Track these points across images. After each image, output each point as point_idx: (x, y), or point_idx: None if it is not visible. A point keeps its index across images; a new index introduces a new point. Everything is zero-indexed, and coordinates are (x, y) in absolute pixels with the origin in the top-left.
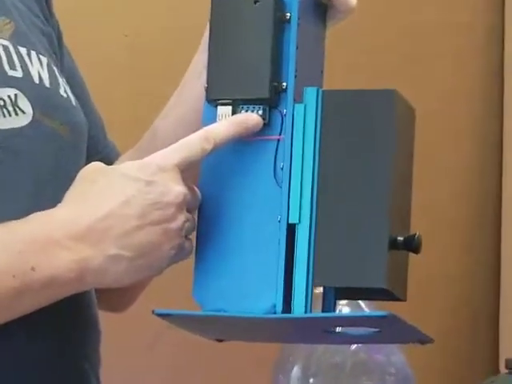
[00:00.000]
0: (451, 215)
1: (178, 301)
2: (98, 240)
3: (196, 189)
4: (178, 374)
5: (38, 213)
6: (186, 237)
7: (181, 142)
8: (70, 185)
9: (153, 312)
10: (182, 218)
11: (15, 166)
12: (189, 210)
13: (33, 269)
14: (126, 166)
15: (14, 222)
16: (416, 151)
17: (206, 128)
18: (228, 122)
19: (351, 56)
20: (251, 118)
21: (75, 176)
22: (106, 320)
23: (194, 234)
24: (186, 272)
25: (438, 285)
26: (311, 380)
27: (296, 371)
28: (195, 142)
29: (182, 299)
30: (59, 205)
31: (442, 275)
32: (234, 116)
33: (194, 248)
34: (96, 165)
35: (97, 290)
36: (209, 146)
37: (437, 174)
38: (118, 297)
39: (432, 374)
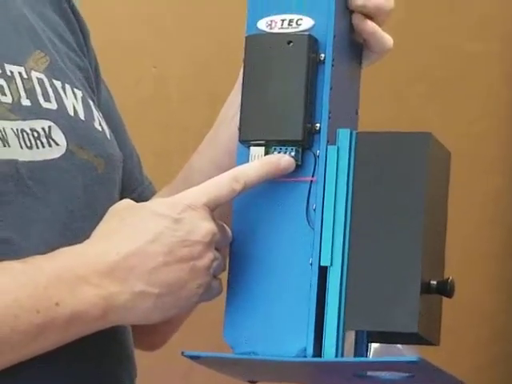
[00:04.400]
0: (484, 250)
1: (211, 337)
2: (124, 277)
3: (226, 227)
4: None
5: (65, 248)
6: (214, 276)
7: (211, 181)
8: (101, 218)
9: (182, 354)
10: (210, 256)
11: (47, 199)
12: (218, 249)
13: (57, 304)
14: (155, 203)
15: (40, 257)
16: None
17: (236, 168)
18: (259, 163)
19: (379, 85)
20: (283, 158)
21: (108, 209)
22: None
23: (224, 273)
24: (217, 311)
25: (473, 317)
26: None
27: None
28: (225, 182)
29: (214, 336)
30: (86, 241)
31: (474, 310)
32: (267, 156)
33: (225, 288)
34: (126, 202)
35: (132, 329)
36: (238, 187)
37: (468, 207)
38: (151, 337)
39: None
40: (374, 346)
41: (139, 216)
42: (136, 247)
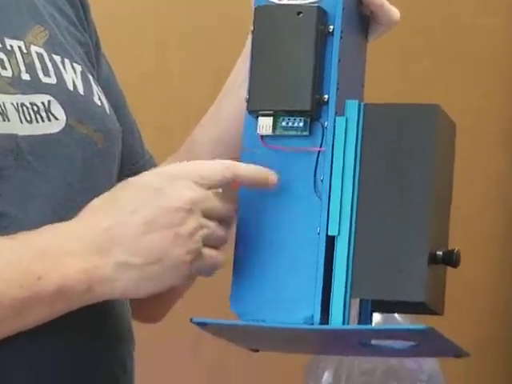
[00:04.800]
0: (486, 225)
1: (218, 308)
2: (106, 249)
3: (226, 198)
4: (214, 376)
5: (53, 225)
6: (207, 245)
7: (204, 161)
8: (101, 192)
9: (190, 320)
10: (192, 223)
11: (46, 173)
12: (212, 218)
13: (40, 278)
14: (140, 176)
15: (29, 233)
16: None
17: (232, 162)
18: (256, 167)
19: (385, 60)
20: (272, 177)
21: (106, 183)
22: (147, 324)
23: (231, 244)
24: (224, 280)
25: (475, 294)
26: None
27: (326, 377)
28: (218, 167)
29: (221, 306)
30: (74, 218)
31: (479, 284)
32: (261, 167)
33: (232, 257)
34: (120, 183)
35: (130, 302)
36: (229, 175)
37: (471, 184)
38: (150, 308)
39: (466, 382)
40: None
41: (124, 190)
42: (117, 219)
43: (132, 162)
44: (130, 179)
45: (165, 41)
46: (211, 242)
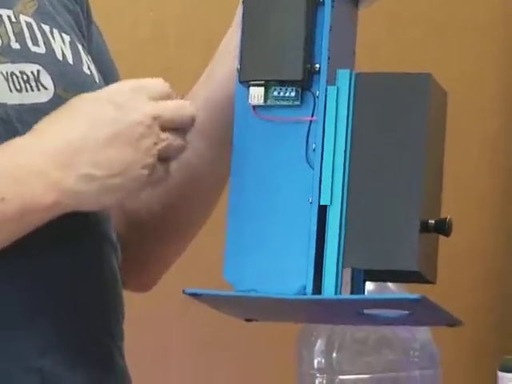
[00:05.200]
0: (480, 192)
1: (207, 277)
2: (68, 162)
3: (182, 106)
4: (205, 346)
5: (9, 141)
6: (162, 160)
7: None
8: None
9: (183, 292)
10: (152, 137)
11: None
12: (170, 129)
13: (3, 199)
14: (100, 91)
15: None
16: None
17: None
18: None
19: (376, 28)
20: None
21: None
22: (134, 293)
23: (224, 210)
24: (217, 251)
25: (469, 261)
26: (334, 354)
27: (319, 346)
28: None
29: (211, 276)
30: (30, 132)
31: (472, 251)
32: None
33: (225, 226)
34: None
35: (121, 271)
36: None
37: (465, 149)
38: (140, 277)
39: (459, 351)
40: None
41: (84, 103)
42: (78, 132)
43: None
44: (85, 94)
45: (161, 7)
46: (168, 154)
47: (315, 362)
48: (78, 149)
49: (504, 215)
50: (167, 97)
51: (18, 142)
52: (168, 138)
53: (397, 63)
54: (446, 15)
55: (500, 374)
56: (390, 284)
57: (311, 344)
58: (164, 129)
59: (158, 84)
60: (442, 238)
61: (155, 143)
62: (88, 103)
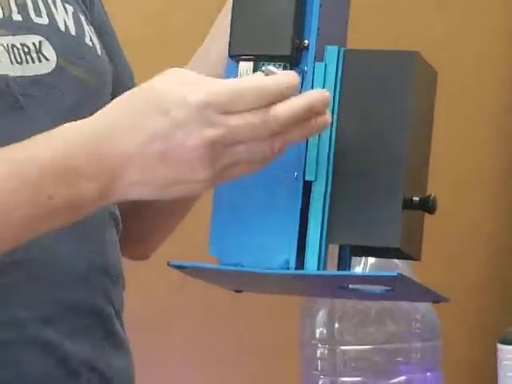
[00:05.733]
0: (489, 166)
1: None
2: (120, 174)
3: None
4: (205, 315)
5: (59, 131)
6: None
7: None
8: None
9: (168, 264)
10: (208, 160)
11: (36, 114)
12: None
13: (50, 198)
14: (164, 95)
15: (30, 145)
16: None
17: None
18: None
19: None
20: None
21: None
22: (132, 263)
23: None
24: (203, 224)
25: (470, 241)
26: (336, 325)
27: (321, 316)
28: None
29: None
30: (82, 123)
31: (476, 230)
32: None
33: (211, 200)
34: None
35: (119, 239)
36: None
37: (474, 123)
38: (140, 245)
39: (460, 323)
40: (370, 260)
41: (145, 109)
42: (134, 145)
43: None
44: (147, 90)
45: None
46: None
47: (317, 332)
48: (132, 161)
49: (508, 196)
50: (253, 102)
51: (72, 134)
52: (238, 152)
53: (408, 36)
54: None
55: (500, 346)
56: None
57: (313, 314)
58: (235, 143)
59: (242, 90)
60: (449, 219)
61: (217, 162)
62: (147, 108)
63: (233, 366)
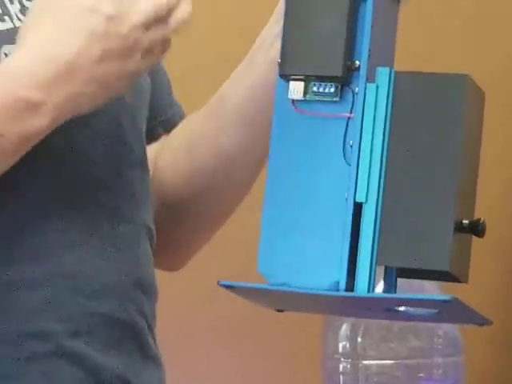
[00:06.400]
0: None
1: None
2: (64, 82)
3: None
4: (233, 328)
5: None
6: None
7: None
8: (128, 145)
9: (218, 283)
10: (140, 44)
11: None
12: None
13: (1, 135)
14: None
15: None
16: None
17: None
18: None
19: (412, 19)
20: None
21: (133, 137)
22: (164, 275)
23: (259, 204)
24: (251, 242)
25: (496, 257)
26: (359, 339)
27: (345, 330)
28: None
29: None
30: (17, 50)
31: (492, 251)
32: None
33: (259, 220)
34: None
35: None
36: None
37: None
38: (172, 257)
39: (481, 339)
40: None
41: (68, 13)
42: (75, 48)
43: (160, 112)
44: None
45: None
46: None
47: (340, 346)
48: (76, 68)
49: None
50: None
51: (8, 66)
52: (156, 36)
53: (433, 54)
54: (482, 6)
55: None
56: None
57: (337, 327)
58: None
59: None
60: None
61: (141, 47)
62: (76, 14)
63: (254, 379)
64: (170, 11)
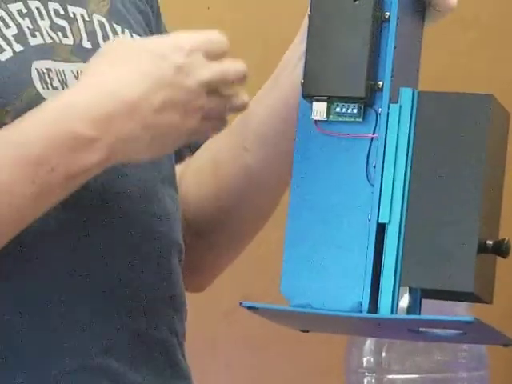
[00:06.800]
0: None
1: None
2: (121, 125)
3: (236, 63)
4: (252, 343)
5: (50, 100)
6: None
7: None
8: (158, 163)
9: (240, 304)
10: (200, 102)
11: None
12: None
13: (52, 170)
14: (153, 43)
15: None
16: None
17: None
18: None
19: (429, 32)
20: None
21: (163, 155)
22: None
23: (282, 226)
24: (274, 262)
25: None
26: (383, 354)
27: (369, 344)
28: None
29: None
30: (74, 87)
31: None
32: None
33: (283, 240)
34: (121, 40)
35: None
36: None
37: None
38: (194, 279)
39: (506, 353)
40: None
41: (136, 56)
42: (139, 93)
43: None
44: (135, 41)
45: (216, 6)
46: (212, 115)
47: (364, 360)
48: (134, 111)
49: None
50: (223, 53)
51: (64, 99)
52: (215, 105)
53: (451, 68)
54: (499, 19)
55: None
56: None
57: (360, 343)
58: (214, 91)
59: (214, 40)
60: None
61: (202, 108)
62: (146, 58)
63: None
64: (235, 80)
